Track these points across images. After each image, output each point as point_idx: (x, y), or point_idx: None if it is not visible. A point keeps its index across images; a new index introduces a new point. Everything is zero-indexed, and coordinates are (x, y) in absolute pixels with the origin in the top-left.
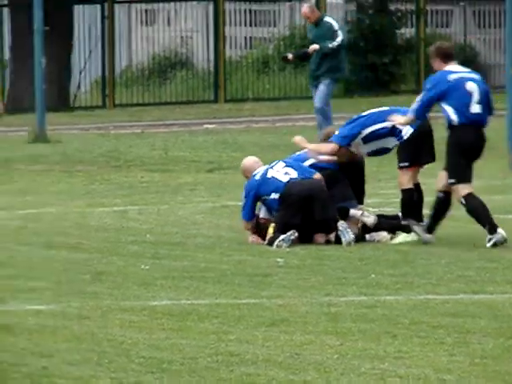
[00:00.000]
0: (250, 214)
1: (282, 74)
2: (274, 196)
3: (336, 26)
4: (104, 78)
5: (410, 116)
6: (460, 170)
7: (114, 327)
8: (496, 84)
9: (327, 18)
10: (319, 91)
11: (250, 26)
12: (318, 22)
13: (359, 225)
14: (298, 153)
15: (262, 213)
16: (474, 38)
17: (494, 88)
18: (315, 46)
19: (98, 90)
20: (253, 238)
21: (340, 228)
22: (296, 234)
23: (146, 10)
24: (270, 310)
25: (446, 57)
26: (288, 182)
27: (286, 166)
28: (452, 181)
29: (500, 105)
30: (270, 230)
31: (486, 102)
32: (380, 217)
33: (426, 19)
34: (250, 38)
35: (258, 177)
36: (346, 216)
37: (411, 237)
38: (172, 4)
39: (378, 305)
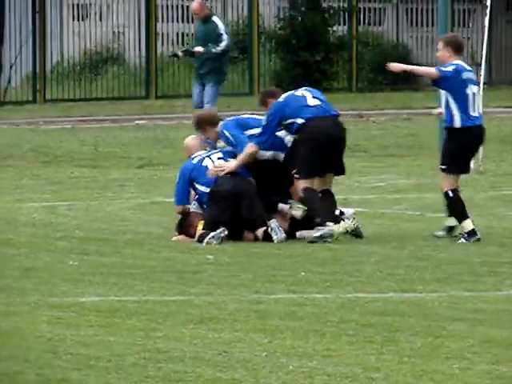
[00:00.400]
0: (182, 198)
1: None
2: (205, 189)
3: (222, 28)
4: (35, 73)
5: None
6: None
7: (42, 323)
8: (428, 82)
9: (215, 18)
10: (206, 94)
11: (182, 21)
12: (206, 20)
13: (288, 220)
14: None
15: (193, 207)
16: (407, 36)
17: (427, 86)
18: (199, 49)
19: (28, 85)
20: (178, 237)
21: (272, 225)
22: (226, 232)
23: (78, 5)
24: (198, 308)
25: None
26: (218, 176)
27: (222, 158)
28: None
29: (431, 104)
30: (200, 227)
31: None
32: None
33: (358, 17)
34: (182, 33)
35: (194, 161)
36: (275, 210)
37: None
38: None
39: (307, 303)
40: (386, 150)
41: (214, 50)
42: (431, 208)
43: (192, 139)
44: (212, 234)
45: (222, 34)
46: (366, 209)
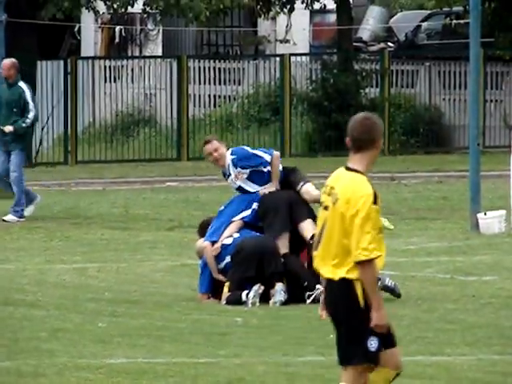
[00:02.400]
0: (205, 285)
1: (246, 132)
2: (228, 259)
3: (29, 96)
4: (66, 134)
5: None
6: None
7: None
8: (460, 145)
9: (22, 84)
10: (12, 162)
11: (214, 83)
12: (13, 84)
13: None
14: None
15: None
16: (439, 99)
17: (459, 149)
18: (9, 128)
19: (60, 146)
20: (206, 300)
21: (276, 287)
22: (262, 287)
23: (110, 67)
24: (227, 370)
25: None
26: (234, 241)
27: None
28: None
29: (463, 166)
30: (225, 290)
31: None
32: None
33: (390, 79)
34: (214, 95)
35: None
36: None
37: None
38: (136, 61)
39: (335, 365)
40: (417, 213)
41: (24, 125)
42: (462, 271)
43: (200, 243)
44: (251, 293)
45: (28, 103)
46: (396, 272)
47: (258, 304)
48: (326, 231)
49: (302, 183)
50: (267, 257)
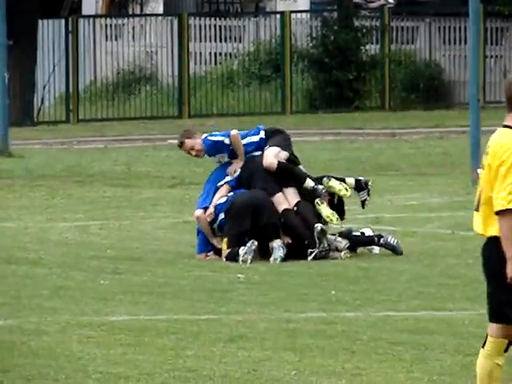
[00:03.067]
0: (201, 246)
1: (247, 90)
2: (222, 216)
3: None
4: (68, 93)
5: None
6: None
7: (72, 342)
8: (461, 101)
9: None
10: None
11: (215, 41)
12: None
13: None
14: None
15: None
16: (439, 55)
17: (459, 104)
18: None
19: (62, 105)
20: (210, 256)
21: (274, 244)
22: (256, 243)
23: (111, 25)
24: (228, 326)
25: None
26: (227, 199)
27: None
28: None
29: (463, 121)
30: (224, 246)
31: None
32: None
33: (390, 35)
34: (215, 53)
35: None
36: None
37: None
38: (137, 19)
39: (337, 321)
40: (418, 169)
41: None
42: (463, 226)
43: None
44: (243, 249)
45: None
46: (397, 227)
47: (249, 261)
48: (483, 190)
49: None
50: (259, 208)
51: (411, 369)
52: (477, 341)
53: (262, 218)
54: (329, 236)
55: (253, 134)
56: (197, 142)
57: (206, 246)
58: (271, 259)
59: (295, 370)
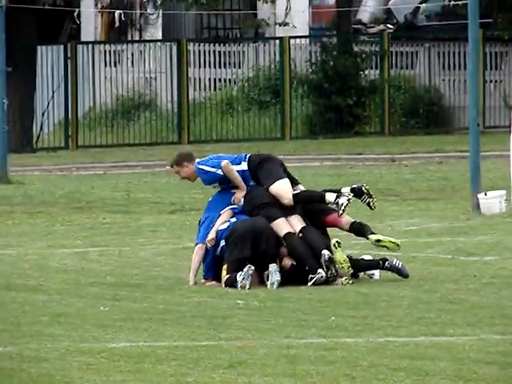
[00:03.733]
0: (205, 270)
1: (247, 115)
2: (223, 243)
3: None
4: (67, 119)
5: None
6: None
7: (72, 369)
8: (460, 126)
9: None
10: None
11: (215, 67)
12: None
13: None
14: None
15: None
16: (439, 80)
17: (459, 129)
18: None
19: (61, 131)
20: (209, 283)
21: (270, 269)
22: (253, 268)
23: (110, 51)
24: (228, 352)
25: None
26: (229, 225)
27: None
28: None
29: (463, 146)
30: (224, 273)
31: None
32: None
33: (390, 60)
34: (215, 79)
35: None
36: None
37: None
38: (136, 45)
39: (337, 347)
40: (418, 194)
41: None
42: (463, 252)
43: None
44: (241, 275)
45: None
46: (398, 253)
47: (247, 286)
48: None
49: (270, 182)
50: (259, 235)
51: None
52: (478, 366)
53: (261, 245)
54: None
55: (236, 163)
56: (182, 169)
57: (210, 271)
58: (268, 284)
59: None
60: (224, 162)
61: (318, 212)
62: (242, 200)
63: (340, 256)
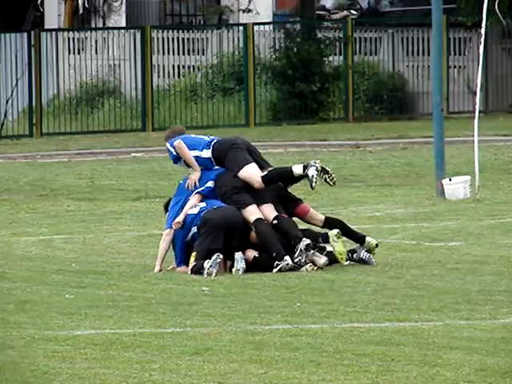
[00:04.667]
0: (180, 258)
1: (211, 102)
2: (194, 230)
3: None
4: (31, 107)
5: None
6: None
7: (38, 357)
8: (424, 112)
9: None
10: None
11: (178, 54)
12: None
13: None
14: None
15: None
16: (403, 66)
17: (423, 115)
18: None
19: (25, 119)
20: (180, 268)
21: (236, 256)
22: (221, 257)
23: (74, 38)
24: (194, 339)
25: None
26: (200, 210)
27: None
28: None
29: (428, 133)
30: (192, 259)
31: None
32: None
33: (354, 47)
34: (178, 66)
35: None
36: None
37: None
38: (100, 32)
39: (302, 333)
40: (382, 180)
41: None
42: (428, 237)
43: None
44: (208, 262)
45: None
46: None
47: (214, 274)
48: None
49: (237, 169)
50: (232, 230)
51: (377, 380)
52: (443, 352)
53: (234, 240)
54: (310, 252)
55: (202, 148)
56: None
57: (184, 257)
58: (233, 270)
59: (261, 382)
60: (176, 142)
61: (288, 202)
62: (196, 183)
63: (341, 247)
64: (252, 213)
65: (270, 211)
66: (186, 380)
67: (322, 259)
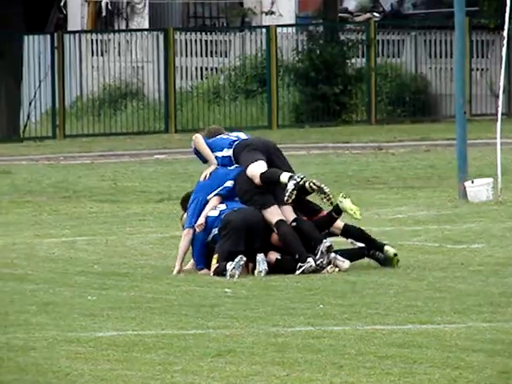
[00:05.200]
0: (199, 260)
1: (233, 104)
2: (215, 231)
3: None
4: (54, 109)
5: None
6: None
7: (60, 358)
8: (447, 114)
9: None
10: None
11: (201, 56)
12: None
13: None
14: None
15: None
16: (425, 68)
17: (446, 117)
18: None
19: (48, 121)
20: (202, 270)
21: (258, 258)
22: (244, 259)
23: (97, 40)
24: (216, 341)
25: None
26: (221, 213)
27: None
28: None
29: (450, 134)
30: (214, 261)
31: None
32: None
33: (376, 49)
34: (201, 68)
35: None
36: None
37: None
38: (123, 34)
39: (324, 335)
40: (405, 182)
41: None
42: (450, 239)
43: None
44: (231, 264)
45: None
46: (384, 241)
47: (237, 276)
48: None
49: (245, 168)
50: (253, 232)
51: (399, 382)
52: (465, 354)
53: (255, 242)
54: (332, 254)
55: (225, 148)
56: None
57: (205, 260)
58: (255, 272)
59: None
60: (195, 136)
61: (307, 210)
62: (208, 176)
63: (349, 204)
64: (273, 214)
65: (289, 213)
66: (209, 382)
67: (345, 263)
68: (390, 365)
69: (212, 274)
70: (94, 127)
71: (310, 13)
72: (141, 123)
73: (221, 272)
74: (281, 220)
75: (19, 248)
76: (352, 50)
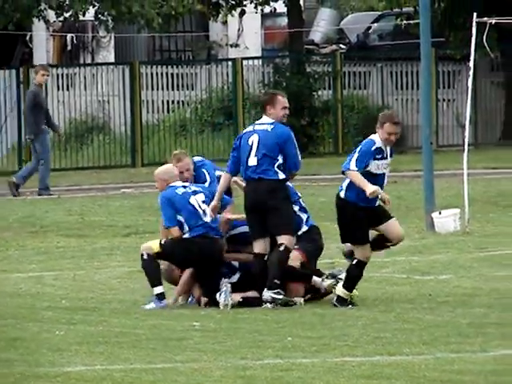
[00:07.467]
0: (172, 219)
1: (200, 137)
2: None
3: None
4: (20, 143)
5: None
6: None
7: None
8: (414, 145)
9: None
10: None
11: (167, 89)
12: None
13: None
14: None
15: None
16: (392, 99)
17: (412, 149)
18: None
19: (14, 156)
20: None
21: (222, 288)
22: (229, 284)
23: (63, 75)
24: (184, 375)
25: None
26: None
27: (205, 201)
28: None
29: (417, 166)
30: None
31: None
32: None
33: (343, 81)
34: (168, 101)
35: (179, 192)
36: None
37: None
38: (88, 68)
39: (293, 368)
40: None
41: None
42: (418, 271)
43: (165, 173)
44: (219, 294)
45: None
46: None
47: (231, 303)
48: None
49: None
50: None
51: None
52: None
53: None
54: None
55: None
56: (191, 164)
57: (174, 220)
58: (221, 305)
59: None
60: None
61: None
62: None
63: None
64: (256, 247)
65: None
66: None
67: (324, 283)
68: None
69: (203, 306)
70: (61, 162)
71: (276, 45)
72: (107, 157)
73: (213, 304)
74: (259, 254)
75: None
76: (318, 81)
